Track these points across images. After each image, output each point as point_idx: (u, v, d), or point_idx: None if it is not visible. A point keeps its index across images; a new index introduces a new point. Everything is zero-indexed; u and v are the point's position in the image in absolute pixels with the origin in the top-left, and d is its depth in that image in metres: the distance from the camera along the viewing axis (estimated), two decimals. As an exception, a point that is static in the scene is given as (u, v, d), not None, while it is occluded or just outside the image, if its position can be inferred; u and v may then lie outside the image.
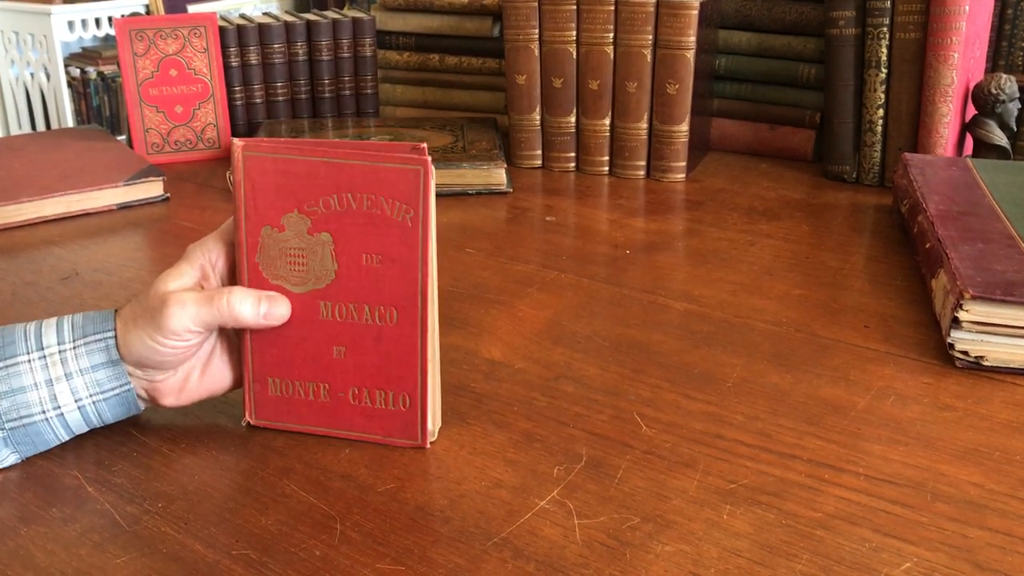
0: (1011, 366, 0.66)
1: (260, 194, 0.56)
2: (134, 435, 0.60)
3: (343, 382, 0.58)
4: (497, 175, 1.05)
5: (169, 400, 0.59)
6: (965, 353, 0.67)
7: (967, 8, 0.97)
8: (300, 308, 0.57)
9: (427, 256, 0.55)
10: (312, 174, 0.55)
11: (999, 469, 0.56)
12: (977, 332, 0.67)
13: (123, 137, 1.31)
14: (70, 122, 2.81)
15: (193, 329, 0.55)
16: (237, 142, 0.56)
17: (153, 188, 1.04)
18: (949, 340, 0.68)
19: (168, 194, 1.05)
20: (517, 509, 0.53)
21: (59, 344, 0.56)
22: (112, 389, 0.56)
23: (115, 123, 2.91)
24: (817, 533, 0.50)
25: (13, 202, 0.97)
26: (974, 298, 0.66)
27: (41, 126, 2.90)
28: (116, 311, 0.57)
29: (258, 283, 0.57)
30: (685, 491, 0.54)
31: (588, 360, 0.69)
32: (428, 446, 0.58)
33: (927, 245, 0.79)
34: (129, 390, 0.57)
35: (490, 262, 0.87)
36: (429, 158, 0.54)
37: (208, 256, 0.58)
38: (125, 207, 1.03)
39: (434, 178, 0.55)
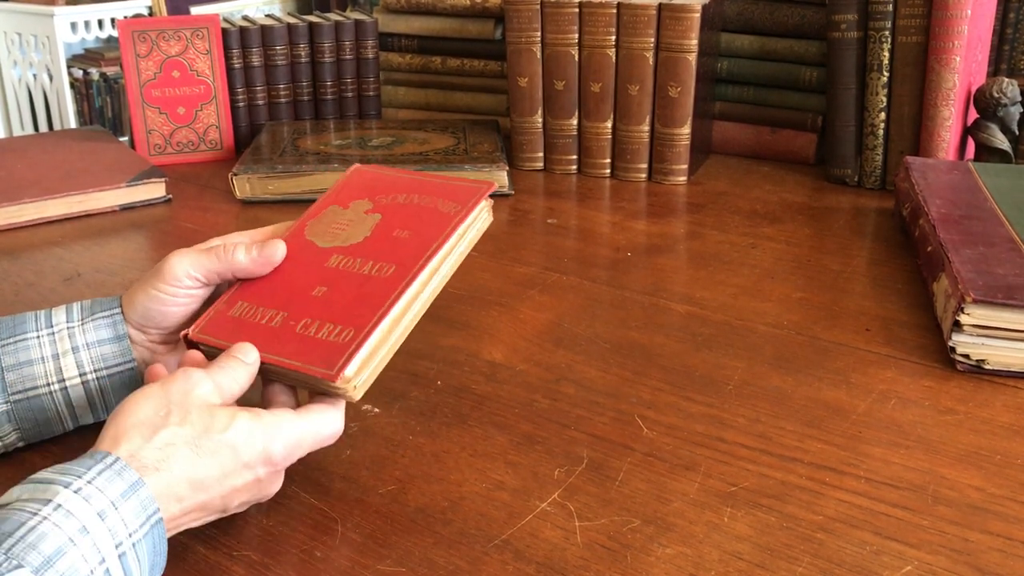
0: (1012, 370, 0.66)
1: (347, 189, 0.65)
2: (135, 436, 0.60)
3: (304, 313, 0.57)
4: (499, 177, 1.05)
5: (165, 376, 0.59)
6: (966, 356, 0.67)
7: (969, 12, 0.97)
8: (314, 256, 0.60)
9: (449, 235, 0.60)
10: (395, 182, 0.65)
11: (1000, 472, 0.56)
12: (978, 336, 0.67)
13: (125, 138, 1.31)
14: (72, 123, 2.81)
15: (192, 274, 0.57)
16: (358, 164, 0.68)
17: (155, 189, 1.04)
18: (950, 344, 0.68)
19: (170, 195, 1.05)
20: (518, 511, 0.53)
21: (68, 322, 0.57)
22: (117, 366, 0.57)
23: (117, 124, 2.91)
24: (818, 536, 0.50)
25: (15, 203, 0.97)
26: (975, 302, 0.66)
27: (44, 127, 2.90)
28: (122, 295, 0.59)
29: (295, 235, 0.62)
30: (686, 494, 0.54)
31: (589, 362, 0.69)
32: (336, 382, 0.52)
33: (928, 248, 0.79)
34: (132, 369, 0.58)
35: (492, 264, 0.87)
36: (495, 186, 0.64)
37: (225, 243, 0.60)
38: (127, 208, 1.03)
39: (487, 206, 0.64)
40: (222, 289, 0.60)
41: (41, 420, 0.57)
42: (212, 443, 0.47)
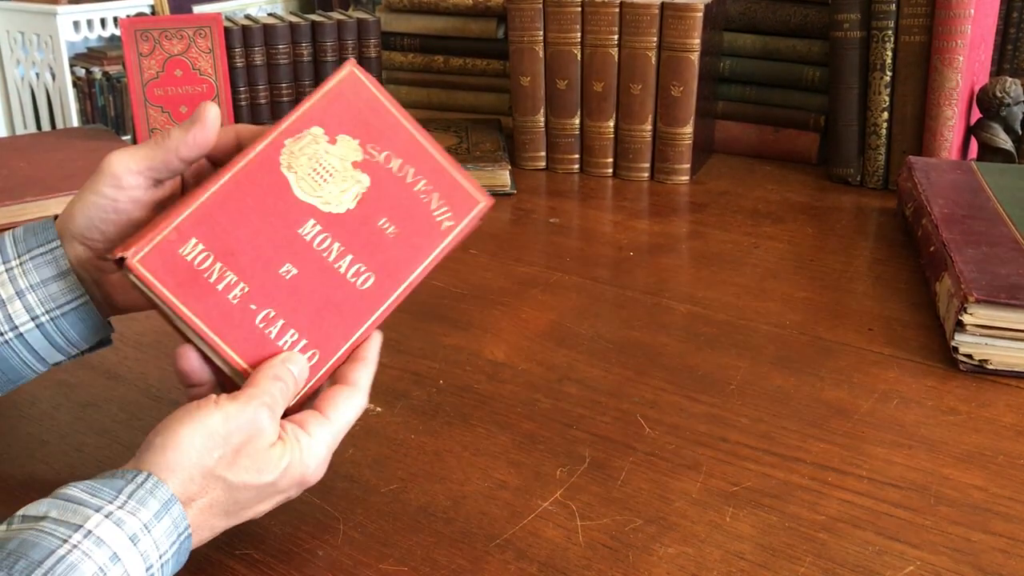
0: (1015, 370, 0.66)
1: (338, 105, 0.54)
2: (137, 437, 0.60)
3: (267, 299, 0.50)
4: (501, 176, 1.05)
5: (122, 296, 0.55)
6: (969, 356, 0.67)
7: (972, 11, 0.97)
8: (286, 209, 0.52)
9: (434, 260, 0.54)
10: (393, 129, 0.55)
11: (1003, 473, 0.56)
12: (981, 335, 0.66)
13: (128, 137, 1.31)
14: (75, 122, 2.81)
15: (134, 169, 0.52)
16: (354, 61, 0.55)
17: (158, 188, 1.04)
18: (953, 343, 0.68)
19: (173, 194, 1.05)
20: (520, 510, 0.53)
21: (4, 263, 0.53)
22: (68, 303, 0.54)
23: (120, 123, 2.91)
24: (820, 536, 0.50)
25: (18, 201, 0.97)
26: (978, 301, 0.66)
27: (46, 126, 2.91)
28: (56, 216, 0.55)
29: (268, 158, 0.52)
30: (688, 493, 0.54)
31: (591, 362, 0.69)
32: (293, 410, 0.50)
33: (931, 248, 0.79)
34: (86, 301, 0.54)
35: (494, 263, 0.87)
36: (493, 203, 0.56)
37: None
38: (130, 207, 1.03)
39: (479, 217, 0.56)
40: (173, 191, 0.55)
41: (7, 369, 0.54)
42: (255, 484, 0.46)
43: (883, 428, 0.60)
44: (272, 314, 0.50)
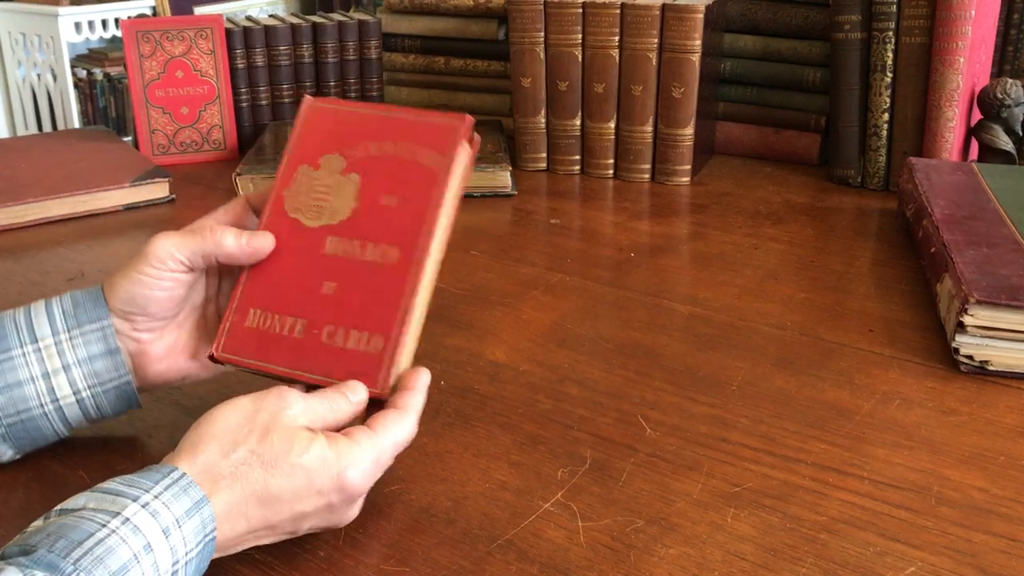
0: (1016, 371, 0.66)
1: (310, 138, 0.60)
2: (138, 437, 0.60)
3: (323, 318, 0.55)
4: (502, 178, 1.05)
5: (154, 368, 0.57)
6: (970, 357, 0.67)
7: (973, 13, 0.97)
8: (307, 241, 0.57)
9: (441, 200, 0.56)
10: (362, 123, 0.59)
11: (1004, 473, 0.56)
12: (982, 336, 0.67)
13: (129, 138, 1.31)
14: (76, 123, 2.81)
15: (177, 256, 0.55)
16: (309, 97, 0.61)
17: (159, 189, 1.04)
18: (954, 344, 0.68)
19: (174, 195, 1.06)
20: (521, 511, 0.53)
21: (53, 335, 0.54)
22: (111, 380, 0.55)
23: (121, 124, 2.91)
24: (821, 537, 0.50)
25: (19, 202, 0.97)
26: (979, 303, 0.66)
27: (47, 127, 2.91)
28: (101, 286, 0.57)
29: (277, 214, 0.58)
30: (689, 494, 0.54)
31: (592, 363, 0.69)
32: (387, 396, 0.53)
33: (932, 249, 0.79)
34: (128, 382, 0.56)
35: (495, 264, 0.87)
36: (472, 120, 0.57)
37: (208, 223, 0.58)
38: (131, 208, 1.03)
39: (469, 144, 0.58)
40: (210, 275, 0.59)
41: (37, 436, 0.55)
42: (287, 466, 0.47)
43: (884, 429, 0.60)
44: (332, 328, 0.55)
